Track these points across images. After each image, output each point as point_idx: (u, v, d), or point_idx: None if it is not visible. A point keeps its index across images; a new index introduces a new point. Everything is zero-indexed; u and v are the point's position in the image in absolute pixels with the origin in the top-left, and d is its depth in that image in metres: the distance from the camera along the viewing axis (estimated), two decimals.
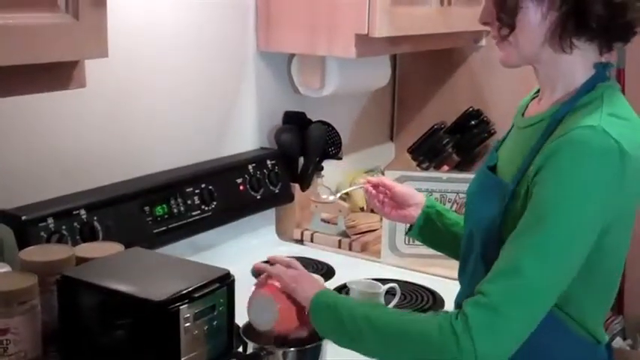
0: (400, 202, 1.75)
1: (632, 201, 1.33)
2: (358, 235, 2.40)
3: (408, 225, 1.76)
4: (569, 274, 1.27)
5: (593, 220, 1.26)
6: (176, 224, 1.98)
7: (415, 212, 1.72)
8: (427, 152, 2.80)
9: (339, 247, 2.39)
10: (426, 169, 2.75)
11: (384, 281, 1.84)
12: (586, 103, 1.34)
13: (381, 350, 1.34)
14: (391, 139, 3.18)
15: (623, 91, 1.43)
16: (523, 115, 1.50)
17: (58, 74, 1.28)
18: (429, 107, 3.06)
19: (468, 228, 1.50)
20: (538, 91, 1.51)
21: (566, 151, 1.25)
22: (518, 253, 1.25)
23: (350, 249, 2.37)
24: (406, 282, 2.04)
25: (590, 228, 1.27)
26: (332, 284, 2.01)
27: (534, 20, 1.34)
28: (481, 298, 1.25)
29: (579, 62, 1.38)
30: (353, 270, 2.16)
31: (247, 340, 1.51)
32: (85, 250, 1.54)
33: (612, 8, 1.31)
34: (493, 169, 1.47)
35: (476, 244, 1.44)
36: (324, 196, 2.44)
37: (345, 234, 2.41)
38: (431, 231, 1.72)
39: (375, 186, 1.77)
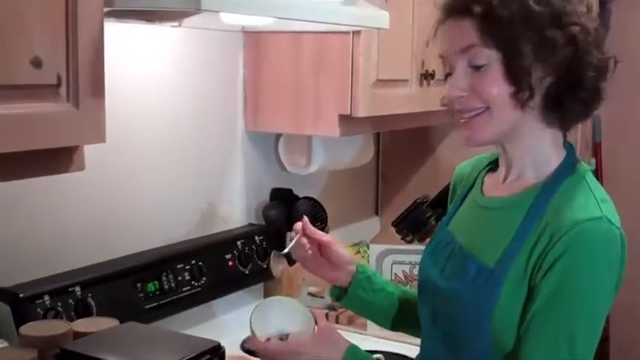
0: (335, 264, 1.67)
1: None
2: (344, 309, 2.44)
3: (332, 289, 1.71)
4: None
5: (608, 306, 1.33)
6: (167, 300, 2.01)
7: (346, 277, 1.66)
8: (411, 226, 2.83)
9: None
10: (410, 242, 2.79)
11: (371, 352, 1.88)
12: (574, 185, 1.36)
13: None
14: (376, 213, 3.24)
15: (599, 164, 1.49)
16: (482, 192, 1.50)
17: (59, 158, 1.33)
18: (412, 181, 3.14)
19: (432, 307, 1.50)
20: (491, 163, 1.54)
21: (583, 246, 1.28)
22: (560, 348, 1.29)
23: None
24: (391, 353, 2.09)
25: (604, 315, 1.33)
26: None
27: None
28: None
29: (550, 141, 1.40)
30: None
31: None
32: (83, 325, 1.59)
33: (600, 71, 1.34)
34: None
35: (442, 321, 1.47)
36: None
37: (332, 307, 2.45)
38: (359, 298, 1.67)
39: (310, 238, 1.69)
